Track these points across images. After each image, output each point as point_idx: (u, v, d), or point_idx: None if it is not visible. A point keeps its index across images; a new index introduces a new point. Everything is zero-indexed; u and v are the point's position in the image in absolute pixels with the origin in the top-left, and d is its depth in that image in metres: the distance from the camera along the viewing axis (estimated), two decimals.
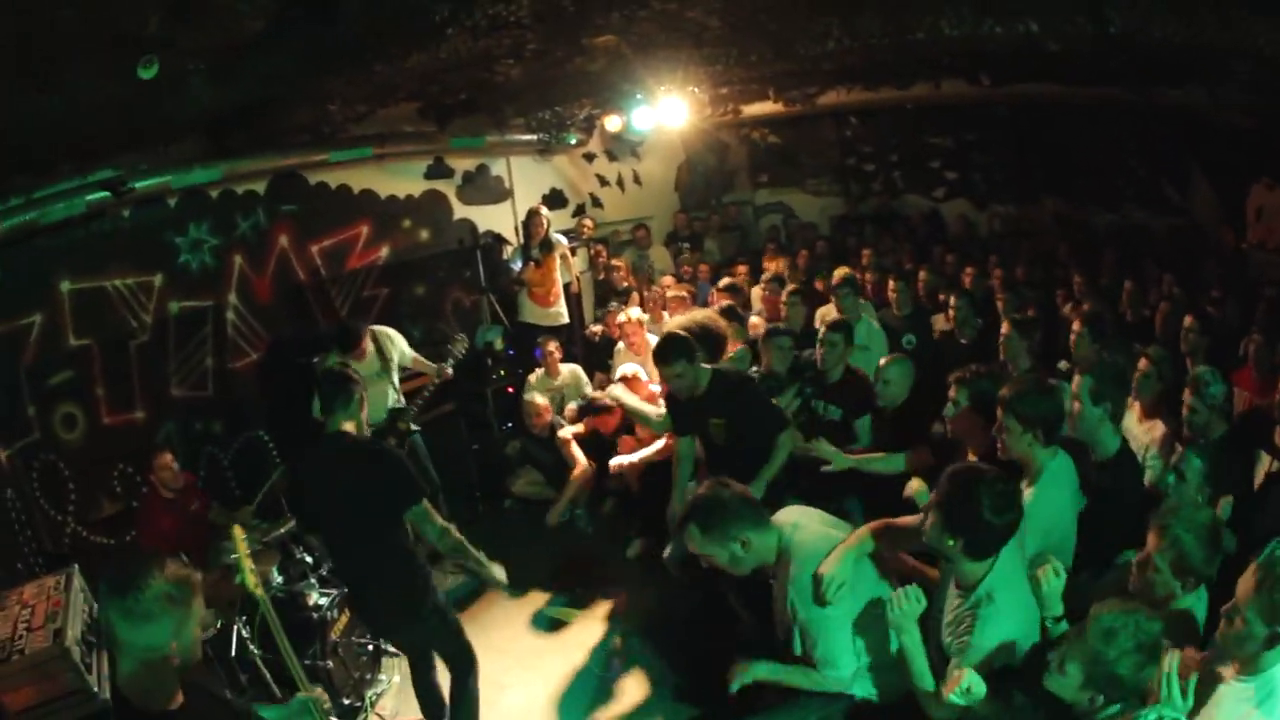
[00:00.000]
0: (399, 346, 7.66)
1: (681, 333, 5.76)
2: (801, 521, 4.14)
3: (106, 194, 5.89)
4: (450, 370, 7.63)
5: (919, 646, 3.64)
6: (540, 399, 8.41)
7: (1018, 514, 3.54)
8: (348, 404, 4.81)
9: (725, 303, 8.50)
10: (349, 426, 4.83)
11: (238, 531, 4.12)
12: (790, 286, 8.79)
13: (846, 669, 3.92)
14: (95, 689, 3.93)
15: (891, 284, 8.70)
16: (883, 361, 6.11)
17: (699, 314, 7.29)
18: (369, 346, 7.34)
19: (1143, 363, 5.66)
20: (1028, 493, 4.13)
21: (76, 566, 4.57)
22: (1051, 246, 10.44)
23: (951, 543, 3.52)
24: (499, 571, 5.04)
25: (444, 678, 5.33)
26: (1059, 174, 11.20)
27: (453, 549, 4.82)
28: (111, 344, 6.75)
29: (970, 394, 4.94)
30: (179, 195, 7.00)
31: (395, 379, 7.49)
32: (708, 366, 5.74)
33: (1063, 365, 6.33)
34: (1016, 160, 11.66)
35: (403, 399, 7.53)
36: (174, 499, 6.44)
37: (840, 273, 8.35)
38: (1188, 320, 6.43)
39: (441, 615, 5.08)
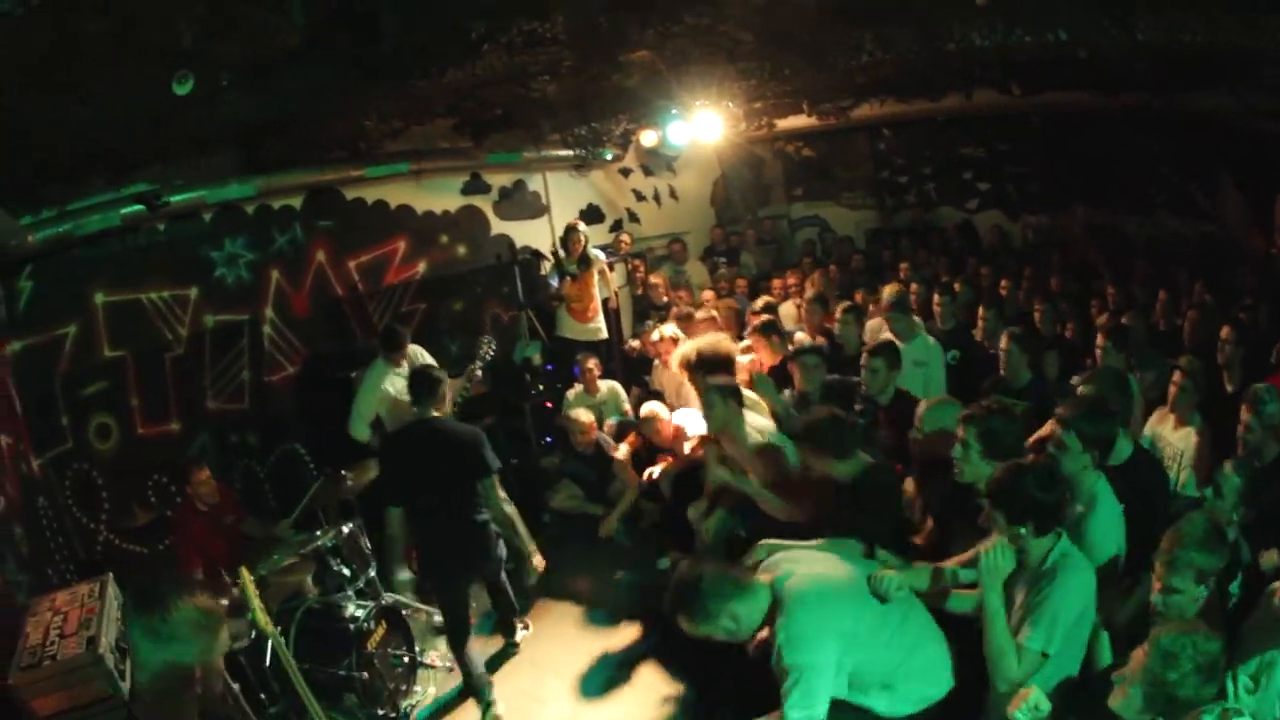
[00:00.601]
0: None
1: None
2: (793, 569, 3.99)
3: (141, 207, 5.92)
4: (479, 372, 7.54)
5: (1000, 610, 3.73)
6: (585, 415, 8.36)
7: (1063, 488, 3.91)
8: (433, 394, 5.68)
9: (765, 319, 8.23)
10: (436, 412, 5.71)
11: (245, 573, 4.17)
12: (843, 304, 8.43)
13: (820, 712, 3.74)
14: (127, 697, 3.90)
15: (936, 298, 8.45)
16: (923, 406, 5.53)
17: (708, 338, 6.96)
18: (406, 359, 7.34)
19: (1177, 375, 5.63)
20: (1085, 519, 4.21)
21: (111, 575, 4.59)
22: (1084, 256, 10.35)
23: (1023, 530, 3.74)
24: (537, 557, 5.97)
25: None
26: (1090, 182, 11.08)
27: (507, 520, 5.75)
28: (147, 356, 6.80)
29: (980, 433, 4.47)
30: (214, 210, 7.06)
31: None
32: None
33: (1075, 381, 6.16)
34: (1048, 169, 11.54)
35: None
36: (209, 511, 6.47)
37: (890, 291, 7.87)
38: (1224, 332, 6.31)
39: (503, 564, 6.08)
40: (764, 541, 4.52)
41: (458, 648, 5.86)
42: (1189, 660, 2.97)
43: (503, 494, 5.72)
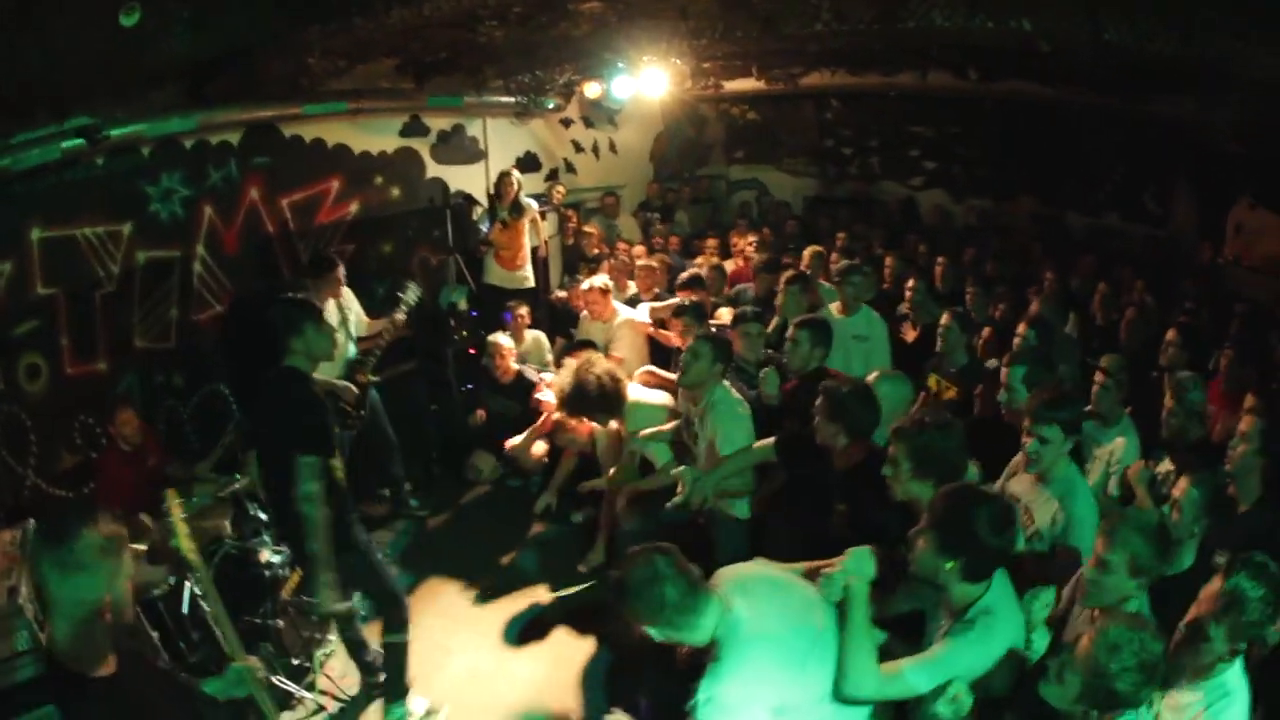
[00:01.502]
0: (355, 309, 7.72)
1: None
2: (748, 603, 3.53)
3: (81, 141, 5.79)
4: (403, 317, 7.59)
5: (865, 628, 3.48)
6: (506, 341, 8.48)
7: (1014, 534, 3.51)
8: (292, 330, 4.85)
9: (690, 299, 7.95)
10: (298, 362, 4.89)
11: (172, 496, 4.00)
12: (788, 274, 8.15)
13: None
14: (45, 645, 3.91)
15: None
16: (871, 378, 5.34)
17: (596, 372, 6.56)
18: (331, 300, 7.39)
19: (1099, 376, 5.70)
20: (1061, 510, 4.23)
21: (33, 522, 4.55)
22: (1026, 244, 10.61)
23: (949, 565, 3.40)
24: (330, 600, 4.73)
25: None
26: (1039, 173, 11.40)
27: (307, 519, 4.61)
28: (78, 293, 6.67)
29: (911, 450, 4.09)
30: (153, 144, 6.91)
31: (353, 332, 7.56)
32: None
33: (991, 363, 6.36)
34: (997, 156, 11.82)
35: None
36: (132, 453, 6.44)
37: (843, 265, 7.81)
38: (1170, 334, 6.49)
39: (363, 553, 5.13)
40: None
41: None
42: (1133, 655, 2.98)
43: (315, 487, 4.62)
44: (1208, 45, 5.44)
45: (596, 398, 6.39)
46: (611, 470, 6.82)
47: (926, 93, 10.63)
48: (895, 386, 5.32)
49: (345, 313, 7.51)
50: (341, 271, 7.49)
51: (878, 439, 4.68)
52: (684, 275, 8.96)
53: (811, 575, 3.72)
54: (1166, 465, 5.15)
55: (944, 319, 6.64)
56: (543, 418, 7.71)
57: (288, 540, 5.27)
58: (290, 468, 4.59)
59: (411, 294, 7.66)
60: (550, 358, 9.37)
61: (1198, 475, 4.19)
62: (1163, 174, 9.98)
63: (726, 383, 5.93)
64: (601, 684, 5.93)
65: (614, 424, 6.86)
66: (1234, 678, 3.18)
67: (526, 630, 6.54)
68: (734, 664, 3.35)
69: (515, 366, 8.38)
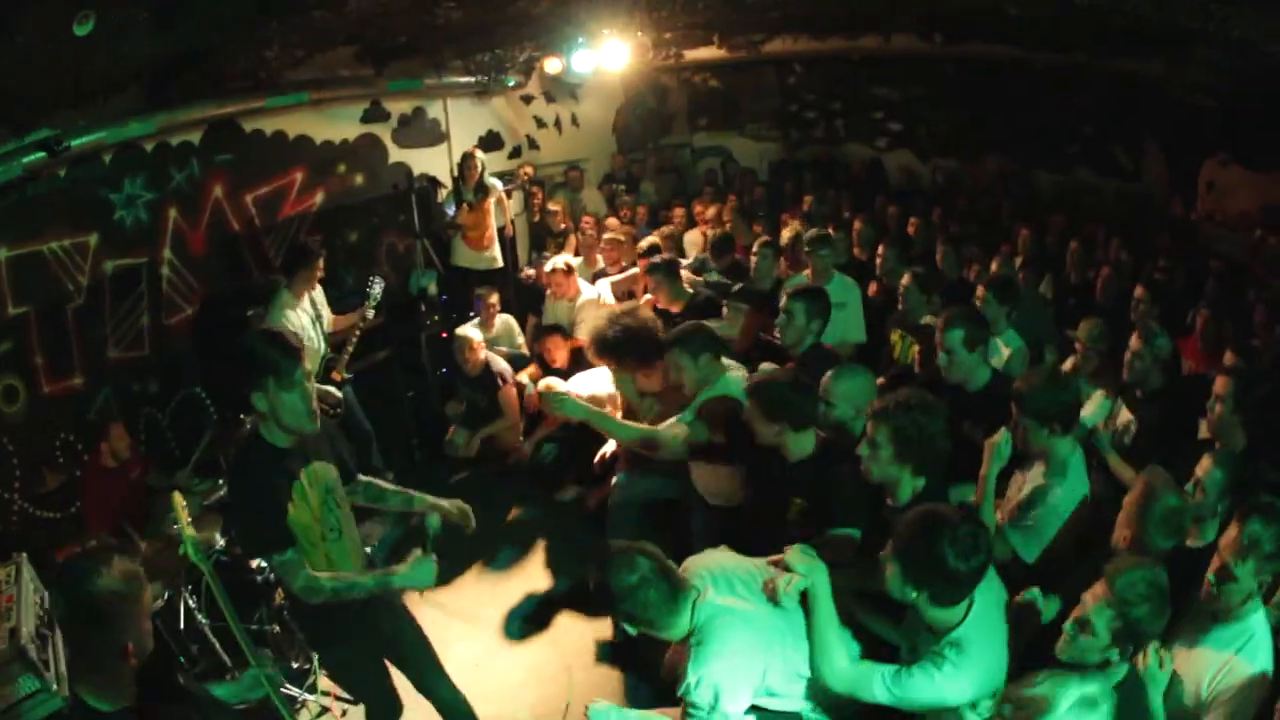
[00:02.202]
0: (325, 307, 7.70)
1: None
2: (722, 590, 3.70)
3: (42, 154, 5.70)
4: (371, 313, 7.60)
5: (829, 625, 3.58)
6: (474, 333, 8.44)
7: (986, 556, 3.35)
8: (262, 390, 3.72)
9: (664, 258, 7.93)
10: (266, 430, 3.86)
11: (178, 499, 3.81)
12: (763, 238, 8.19)
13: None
14: (54, 686, 3.80)
15: (831, 232, 8.24)
16: (827, 378, 4.92)
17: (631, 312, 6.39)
18: (310, 291, 7.44)
19: (1078, 346, 5.83)
20: (1047, 482, 4.27)
21: (25, 556, 4.45)
22: (996, 202, 10.67)
23: (915, 594, 3.36)
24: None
25: None
26: (1006, 132, 11.42)
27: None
28: (49, 310, 6.59)
29: (893, 433, 4.03)
30: (114, 151, 6.81)
31: (325, 329, 7.55)
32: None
33: (928, 320, 6.29)
34: (963, 116, 11.85)
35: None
36: (116, 467, 6.37)
37: (811, 234, 7.50)
38: (1139, 291, 6.50)
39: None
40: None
41: None
42: (1145, 581, 3.18)
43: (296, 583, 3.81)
44: (1180, 8, 5.48)
45: (633, 341, 6.08)
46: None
47: (890, 55, 10.66)
48: (855, 380, 4.93)
49: (318, 309, 7.48)
50: (321, 263, 7.46)
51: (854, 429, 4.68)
52: (642, 244, 9.04)
53: (776, 565, 3.78)
54: (1125, 415, 5.31)
55: (904, 279, 6.54)
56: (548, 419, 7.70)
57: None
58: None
59: (378, 288, 7.64)
60: (521, 340, 9.41)
61: (1221, 455, 4.17)
62: (1132, 130, 10.03)
63: (729, 368, 5.52)
64: (598, 669, 6.01)
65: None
66: (1258, 622, 3.28)
67: (521, 617, 6.61)
68: (716, 646, 3.48)
69: (483, 357, 8.25)
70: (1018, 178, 11.31)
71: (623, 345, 5.98)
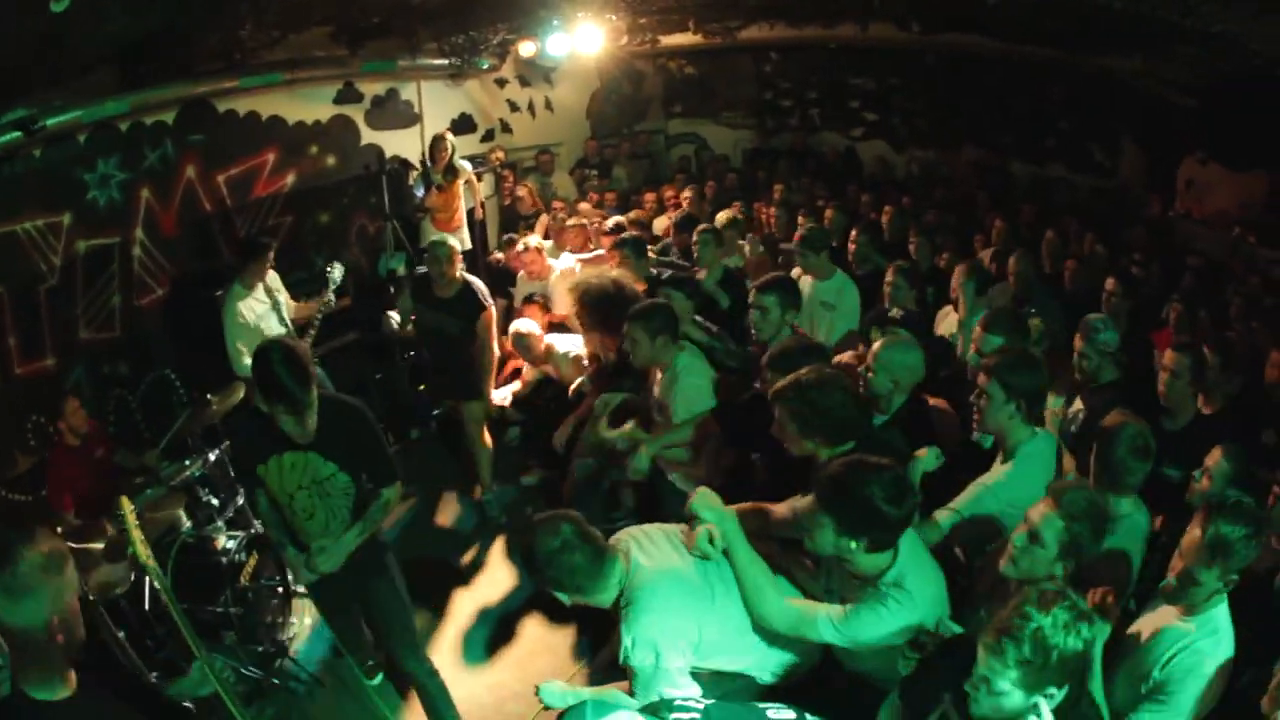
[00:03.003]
0: (282, 292, 7.62)
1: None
2: (646, 552, 3.79)
3: (18, 134, 5.71)
4: (332, 297, 7.49)
5: (753, 565, 3.69)
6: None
7: (916, 499, 3.53)
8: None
9: (631, 234, 8.07)
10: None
11: (125, 504, 3.87)
12: (701, 226, 7.93)
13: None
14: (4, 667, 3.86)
15: (800, 220, 8.45)
16: (878, 343, 4.96)
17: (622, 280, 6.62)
18: (263, 281, 7.35)
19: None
20: (1002, 470, 4.22)
21: None
22: (970, 194, 10.74)
23: (853, 545, 3.41)
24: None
25: None
26: (982, 124, 11.51)
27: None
28: (21, 290, 6.59)
29: (791, 413, 4.16)
30: (89, 130, 6.81)
31: (285, 315, 7.46)
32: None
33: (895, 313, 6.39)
34: (939, 107, 11.95)
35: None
36: (80, 446, 6.31)
37: (804, 229, 7.22)
38: (1110, 283, 6.55)
39: None
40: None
41: None
42: (1084, 499, 3.36)
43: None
44: (1160, 1, 5.59)
45: (606, 304, 6.24)
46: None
47: (867, 44, 10.74)
48: (903, 353, 4.89)
49: (275, 295, 7.43)
50: (272, 256, 7.35)
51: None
52: (608, 223, 9.11)
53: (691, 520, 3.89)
54: (1077, 405, 5.38)
55: (889, 274, 6.53)
56: (583, 404, 7.11)
57: None
58: None
59: (337, 273, 7.60)
60: None
61: (1230, 448, 4.22)
62: (1109, 126, 10.12)
63: (688, 346, 5.69)
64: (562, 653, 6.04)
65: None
66: (1223, 616, 3.28)
67: (486, 603, 6.62)
68: (644, 605, 3.57)
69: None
70: (993, 169, 11.42)
71: (600, 303, 6.24)
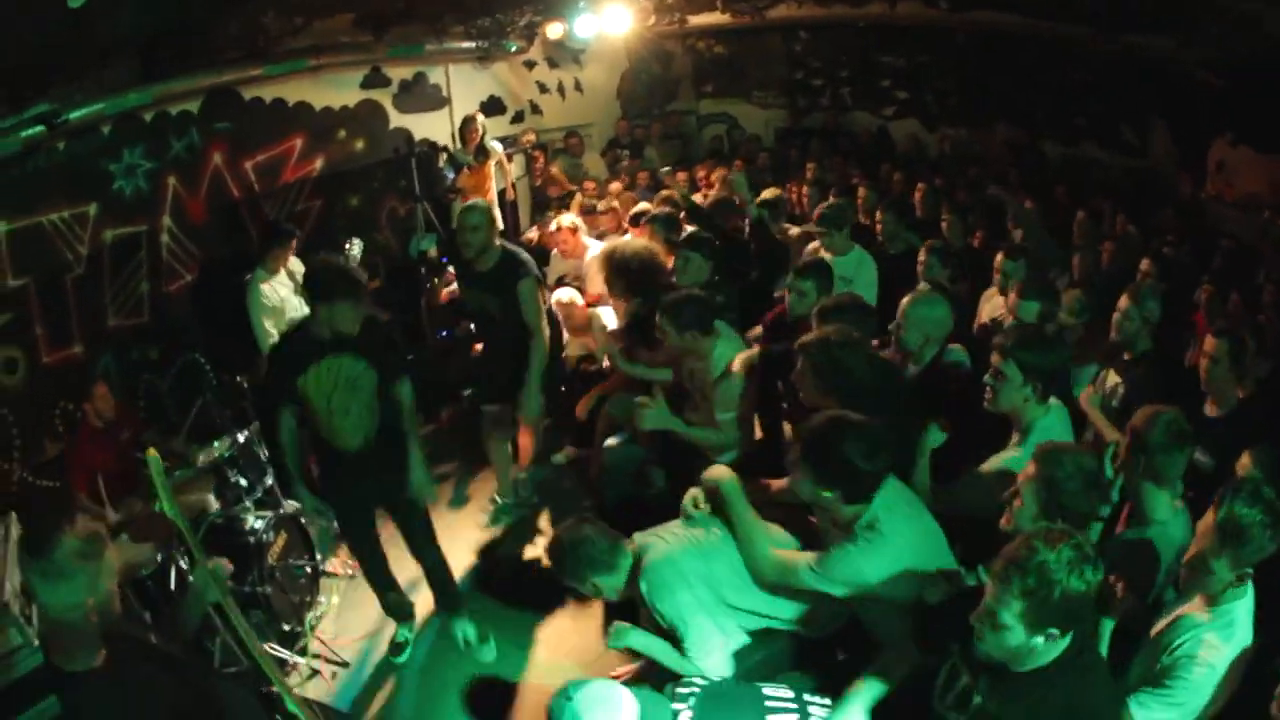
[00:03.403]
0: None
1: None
2: (653, 542, 4.09)
3: (41, 128, 5.82)
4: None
5: (748, 521, 3.99)
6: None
7: (890, 457, 3.69)
8: (329, 305, 4.84)
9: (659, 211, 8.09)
10: (316, 327, 4.96)
11: (152, 453, 3.89)
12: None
13: (716, 656, 3.93)
14: (35, 642, 4.00)
15: (831, 198, 8.21)
16: (906, 300, 5.15)
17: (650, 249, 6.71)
18: (284, 265, 7.49)
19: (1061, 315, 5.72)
20: (1015, 452, 4.21)
21: (14, 515, 4.60)
22: (1003, 171, 10.62)
23: (829, 494, 3.66)
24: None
25: None
26: (1014, 102, 11.37)
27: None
28: (48, 280, 6.71)
29: (813, 366, 4.43)
30: (113, 122, 6.92)
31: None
32: None
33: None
34: (970, 85, 11.82)
35: None
36: (104, 429, 6.40)
37: (824, 207, 7.26)
38: (1144, 264, 6.56)
39: None
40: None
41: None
42: (1072, 462, 3.44)
43: None
44: None
45: (636, 270, 6.35)
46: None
47: (895, 23, 10.66)
48: (933, 308, 5.06)
49: (296, 279, 7.50)
50: (294, 243, 7.51)
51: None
52: (633, 211, 9.04)
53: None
54: (1113, 378, 5.31)
55: (922, 252, 6.54)
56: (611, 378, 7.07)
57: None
58: None
59: (356, 249, 7.72)
60: None
61: (1259, 452, 4.09)
62: (1139, 105, 9.96)
63: (722, 333, 5.60)
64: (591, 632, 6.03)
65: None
66: (1242, 612, 3.23)
67: (514, 583, 6.66)
68: (655, 574, 3.90)
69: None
70: (1025, 148, 11.28)
71: (629, 268, 6.35)
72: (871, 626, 3.92)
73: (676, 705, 3.42)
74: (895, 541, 3.61)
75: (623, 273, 6.39)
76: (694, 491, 4.14)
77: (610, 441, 6.57)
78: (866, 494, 3.66)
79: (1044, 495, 3.45)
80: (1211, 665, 3.14)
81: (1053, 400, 4.35)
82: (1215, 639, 3.17)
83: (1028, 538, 2.80)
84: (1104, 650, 3.25)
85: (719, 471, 4.15)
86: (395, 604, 5.89)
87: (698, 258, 6.43)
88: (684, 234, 7.25)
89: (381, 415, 5.15)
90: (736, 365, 5.35)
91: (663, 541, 4.06)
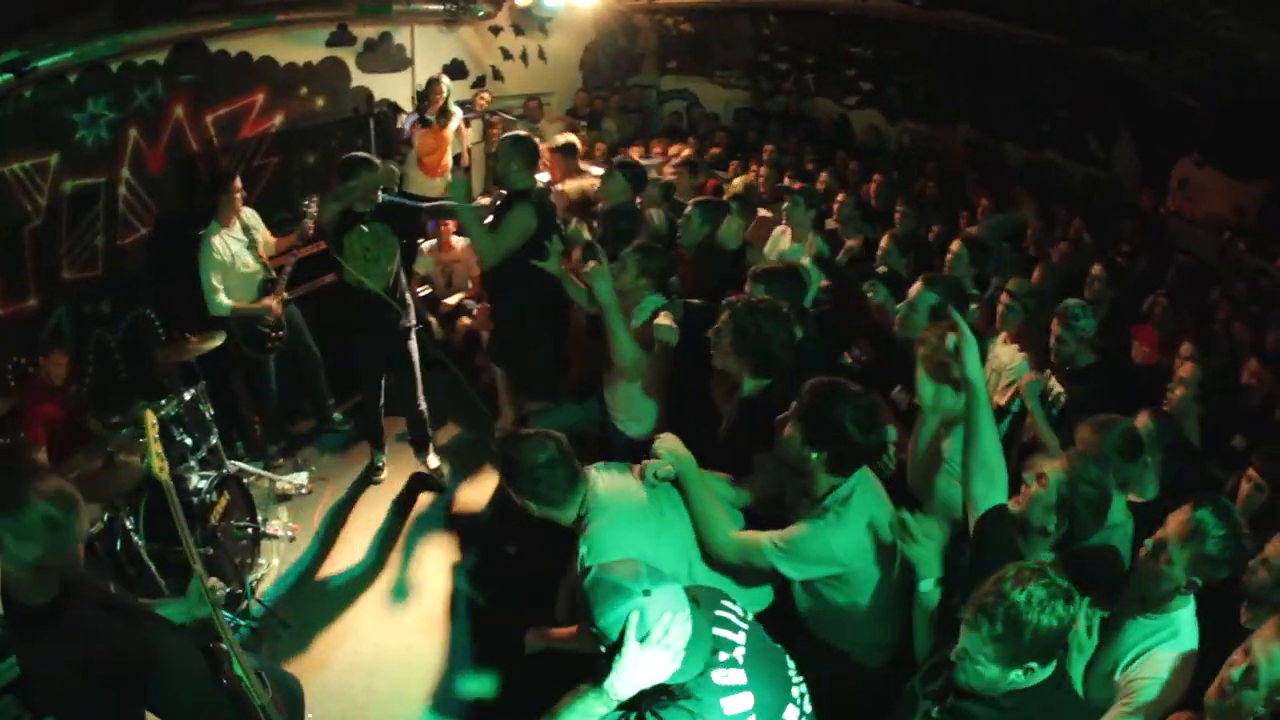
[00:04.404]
0: (261, 229, 7.74)
1: None
2: (605, 480, 4.00)
3: (9, 76, 5.68)
4: (311, 226, 7.66)
5: (705, 499, 3.94)
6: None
7: (881, 435, 3.76)
8: (355, 175, 6.72)
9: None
10: (353, 200, 6.75)
11: (150, 415, 4.05)
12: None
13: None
14: None
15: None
16: (917, 285, 5.35)
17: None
18: (238, 219, 7.48)
19: (1004, 296, 5.91)
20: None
21: None
22: (960, 169, 10.81)
23: (815, 456, 3.64)
24: None
25: None
26: (978, 102, 11.52)
27: None
28: (6, 231, 6.54)
29: (735, 327, 4.46)
30: (80, 71, 6.74)
31: (262, 253, 7.62)
32: None
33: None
34: (937, 82, 11.95)
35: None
36: (54, 386, 6.34)
37: (797, 188, 7.63)
38: (1095, 269, 6.67)
39: None
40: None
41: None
42: (1095, 469, 3.50)
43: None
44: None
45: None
46: None
47: (867, 14, 10.74)
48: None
49: (252, 233, 7.52)
50: (237, 185, 7.43)
51: None
52: (558, 139, 9.47)
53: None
54: (1056, 387, 5.45)
55: (884, 240, 6.73)
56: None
57: None
58: None
59: (314, 207, 7.65)
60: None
61: (1155, 411, 4.37)
62: (1108, 117, 10.13)
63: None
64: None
65: None
66: (1185, 618, 3.32)
67: (464, 539, 6.94)
68: (598, 520, 3.78)
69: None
70: (986, 149, 11.46)
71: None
72: (824, 631, 3.98)
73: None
74: (861, 518, 3.66)
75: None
76: (652, 463, 4.02)
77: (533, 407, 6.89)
78: (850, 467, 3.69)
79: (1065, 491, 3.46)
80: (1161, 678, 3.23)
81: None
82: (1163, 654, 3.27)
83: (997, 580, 2.84)
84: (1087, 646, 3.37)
85: (671, 444, 4.05)
86: (377, 439, 7.74)
87: (620, 177, 7.15)
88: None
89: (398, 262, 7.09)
90: (661, 318, 5.36)
91: (611, 486, 3.97)
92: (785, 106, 13.63)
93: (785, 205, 7.40)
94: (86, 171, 7.13)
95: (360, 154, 6.95)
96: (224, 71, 8.35)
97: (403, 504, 7.37)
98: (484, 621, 6.14)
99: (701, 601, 2.97)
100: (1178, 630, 3.30)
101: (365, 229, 6.74)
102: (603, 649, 2.75)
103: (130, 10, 6.59)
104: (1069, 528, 3.48)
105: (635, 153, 11.56)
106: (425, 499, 7.44)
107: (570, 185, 8.19)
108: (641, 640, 2.65)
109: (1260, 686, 2.80)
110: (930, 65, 11.88)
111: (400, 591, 6.44)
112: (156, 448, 3.84)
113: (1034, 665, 2.81)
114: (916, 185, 10.22)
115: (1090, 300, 6.25)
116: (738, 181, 8.74)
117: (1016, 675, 2.82)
